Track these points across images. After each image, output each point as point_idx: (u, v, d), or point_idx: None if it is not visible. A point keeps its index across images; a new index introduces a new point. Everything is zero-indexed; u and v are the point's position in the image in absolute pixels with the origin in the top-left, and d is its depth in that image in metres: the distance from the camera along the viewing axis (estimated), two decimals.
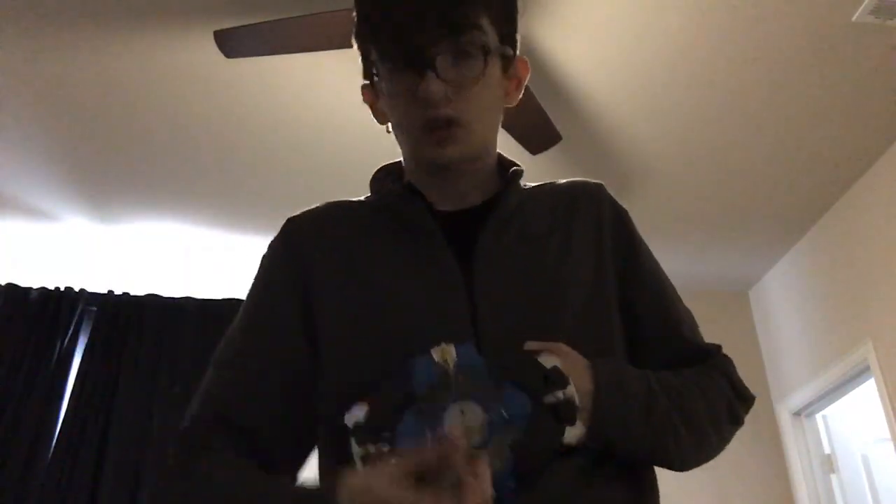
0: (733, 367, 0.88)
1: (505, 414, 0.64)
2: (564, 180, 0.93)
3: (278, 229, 0.88)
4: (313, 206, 0.90)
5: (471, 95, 0.78)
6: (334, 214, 0.89)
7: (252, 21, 2.07)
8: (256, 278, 0.87)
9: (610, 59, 2.48)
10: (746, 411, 0.87)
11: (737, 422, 0.85)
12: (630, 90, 2.61)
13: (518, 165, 0.90)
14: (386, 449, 0.65)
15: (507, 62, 0.84)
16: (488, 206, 0.84)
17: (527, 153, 2.48)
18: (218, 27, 2.07)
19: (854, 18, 2.29)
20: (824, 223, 3.36)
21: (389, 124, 0.86)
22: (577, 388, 0.69)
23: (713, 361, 0.86)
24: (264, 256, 0.88)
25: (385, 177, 0.90)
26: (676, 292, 0.91)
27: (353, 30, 0.84)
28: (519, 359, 0.69)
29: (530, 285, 0.79)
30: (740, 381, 0.87)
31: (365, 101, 0.89)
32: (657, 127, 2.78)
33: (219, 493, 0.69)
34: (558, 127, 2.40)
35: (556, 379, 0.68)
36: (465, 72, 0.77)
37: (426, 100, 0.76)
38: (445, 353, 0.69)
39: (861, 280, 3.09)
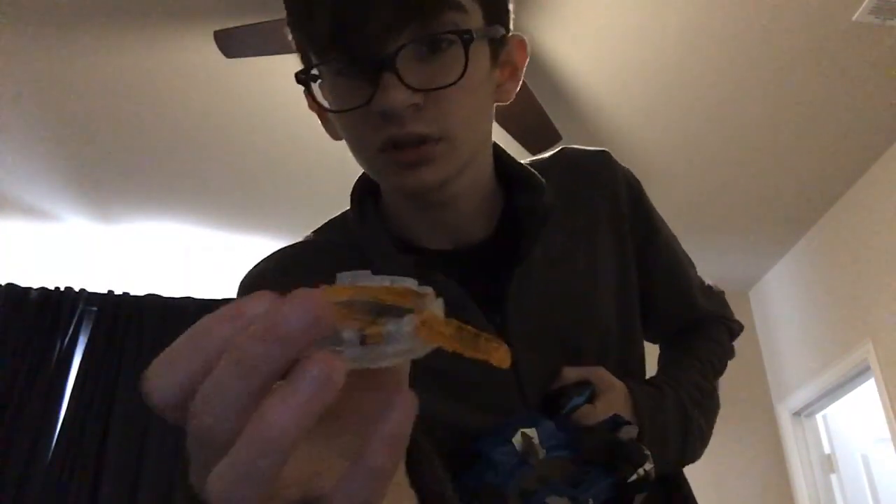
0: (729, 309, 0.92)
1: (591, 502, 0.62)
2: (566, 155, 0.78)
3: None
4: (295, 244, 0.72)
5: (449, 102, 0.57)
6: (297, 264, 0.69)
7: (252, 21, 2.07)
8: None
9: (610, 59, 2.48)
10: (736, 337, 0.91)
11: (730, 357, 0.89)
12: (630, 90, 2.61)
13: (525, 168, 0.72)
14: None
15: (497, 47, 0.62)
16: (500, 236, 0.68)
17: (527, 153, 2.49)
18: (218, 27, 2.07)
19: (854, 18, 2.29)
20: (824, 223, 3.36)
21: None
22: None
23: (718, 324, 0.90)
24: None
25: (367, 198, 0.70)
26: (686, 255, 0.89)
27: (287, 15, 0.62)
28: (603, 438, 0.65)
29: (563, 314, 0.71)
30: (733, 320, 0.91)
31: (311, 109, 0.66)
32: (657, 127, 2.78)
33: None
34: (558, 127, 2.40)
35: (638, 457, 0.65)
36: (438, 71, 0.56)
37: (384, 114, 0.55)
38: (531, 443, 0.63)
39: (861, 280, 3.09)
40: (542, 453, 0.63)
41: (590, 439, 0.65)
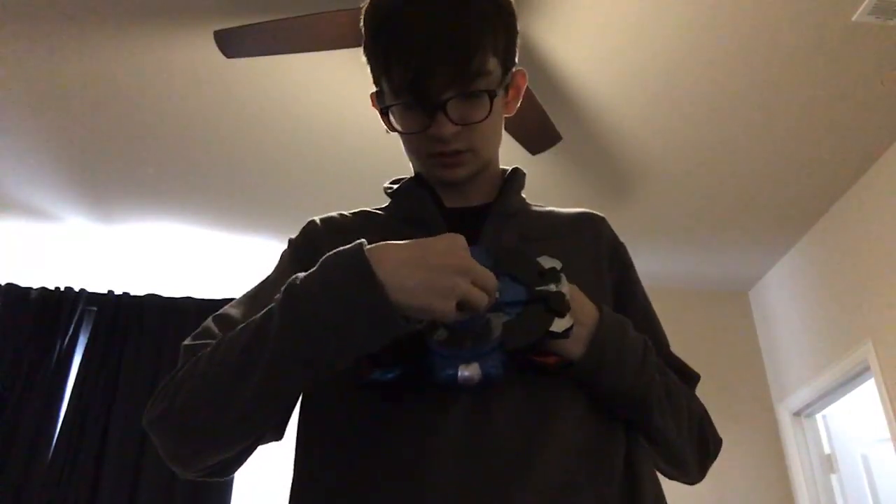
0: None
1: (498, 295, 0.68)
2: (568, 209, 0.98)
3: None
4: (336, 213, 0.95)
5: (477, 130, 0.83)
6: (353, 219, 0.94)
7: (252, 21, 2.07)
8: (273, 269, 0.91)
9: (610, 59, 2.48)
10: (714, 455, 0.88)
11: (706, 454, 0.87)
12: (630, 90, 2.61)
13: (519, 174, 0.96)
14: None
15: (508, 81, 0.88)
16: (491, 206, 0.91)
17: (527, 153, 2.48)
18: (218, 27, 2.07)
19: (854, 18, 2.29)
20: (824, 223, 3.36)
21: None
22: (583, 315, 0.75)
23: (693, 390, 0.89)
24: (284, 252, 0.93)
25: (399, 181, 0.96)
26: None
27: (365, 46, 0.85)
28: (521, 257, 0.75)
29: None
30: (712, 422, 0.89)
31: (374, 106, 0.91)
32: (657, 127, 2.78)
33: (220, 350, 0.70)
34: (558, 127, 2.40)
35: (551, 275, 0.73)
36: (472, 113, 0.81)
37: (436, 138, 0.81)
38: None
39: (861, 280, 3.09)
40: None
41: (508, 257, 0.75)
